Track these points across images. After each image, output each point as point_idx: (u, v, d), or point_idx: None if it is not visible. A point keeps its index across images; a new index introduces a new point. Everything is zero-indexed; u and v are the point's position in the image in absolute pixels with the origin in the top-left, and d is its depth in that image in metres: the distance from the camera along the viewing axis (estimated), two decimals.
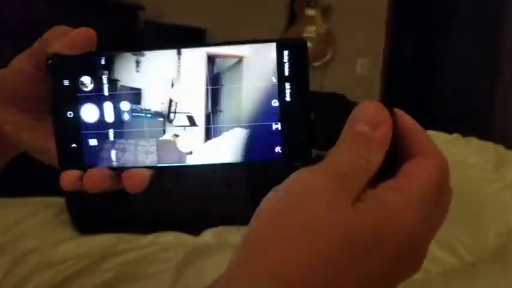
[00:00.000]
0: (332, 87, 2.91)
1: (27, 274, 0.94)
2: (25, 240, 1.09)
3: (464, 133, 1.37)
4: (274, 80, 0.32)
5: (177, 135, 0.33)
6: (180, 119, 0.33)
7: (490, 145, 1.27)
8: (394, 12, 3.10)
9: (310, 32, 2.90)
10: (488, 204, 0.99)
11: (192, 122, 0.33)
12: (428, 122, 2.17)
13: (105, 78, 0.33)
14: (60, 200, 1.23)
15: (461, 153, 1.19)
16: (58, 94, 0.33)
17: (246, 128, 0.32)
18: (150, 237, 1.10)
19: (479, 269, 0.93)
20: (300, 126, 0.32)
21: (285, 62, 0.31)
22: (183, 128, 0.33)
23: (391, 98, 3.21)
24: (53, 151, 0.34)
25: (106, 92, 0.33)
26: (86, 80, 0.33)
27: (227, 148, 0.33)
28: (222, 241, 1.10)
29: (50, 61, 0.32)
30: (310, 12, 2.89)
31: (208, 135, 0.33)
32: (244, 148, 0.32)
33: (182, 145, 0.33)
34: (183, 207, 1.16)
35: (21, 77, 0.35)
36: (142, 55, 0.33)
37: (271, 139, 0.32)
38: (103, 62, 0.33)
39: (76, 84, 0.33)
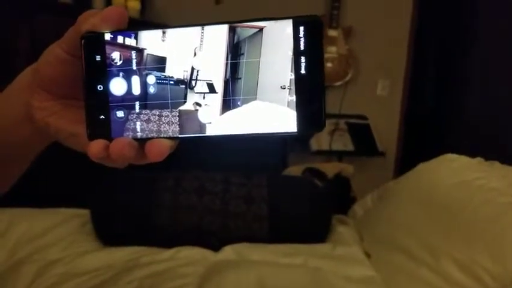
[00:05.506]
0: (352, 107, 2.92)
1: (51, 284, 0.96)
2: (51, 250, 1.12)
3: (488, 157, 1.35)
4: (291, 53, 0.33)
5: (198, 104, 0.35)
6: (201, 86, 0.35)
7: None
8: (415, 33, 3.10)
9: (331, 52, 2.92)
10: (509, 229, 0.97)
11: (211, 88, 0.35)
12: (451, 145, 2.15)
13: (133, 53, 0.35)
14: (85, 212, 1.26)
15: (484, 178, 1.18)
16: (90, 69, 0.35)
17: (263, 100, 0.34)
18: (171, 252, 1.11)
19: None
20: (314, 97, 0.33)
21: (301, 37, 0.33)
22: (203, 95, 0.35)
23: (412, 119, 3.19)
24: (82, 135, 0.36)
25: (134, 66, 0.35)
26: (116, 55, 0.35)
27: (245, 120, 0.34)
28: (242, 258, 1.10)
29: (83, 39, 0.34)
30: (332, 33, 2.92)
31: (227, 106, 0.34)
32: (261, 120, 0.34)
33: (202, 115, 0.35)
34: (204, 223, 1.17)
35: (53, 62, 0.36)
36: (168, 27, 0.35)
37: (287, 111, 0.33)
38: (132, 37, 0.35)
39: (107, 59, 0.35)
